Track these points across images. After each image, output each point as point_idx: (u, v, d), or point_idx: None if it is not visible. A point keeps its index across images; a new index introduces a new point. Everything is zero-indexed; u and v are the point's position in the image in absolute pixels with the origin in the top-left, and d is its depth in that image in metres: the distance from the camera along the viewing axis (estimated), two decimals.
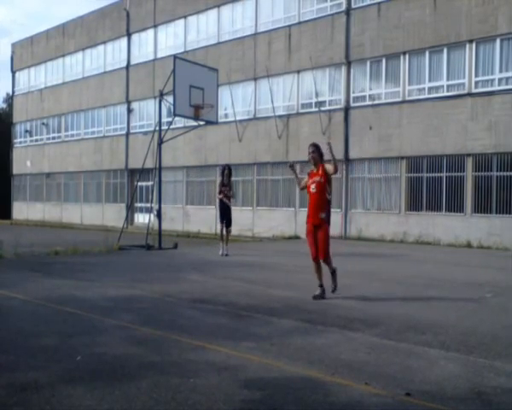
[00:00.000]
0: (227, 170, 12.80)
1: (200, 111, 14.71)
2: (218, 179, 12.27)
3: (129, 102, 29.98)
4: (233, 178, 13.38)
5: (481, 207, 17.26)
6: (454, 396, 3.41)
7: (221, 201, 12.87)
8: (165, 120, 16.71)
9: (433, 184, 18.41)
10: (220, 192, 12.85)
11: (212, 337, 4.79)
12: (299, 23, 22.31)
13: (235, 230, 22.06)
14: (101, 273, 9.33)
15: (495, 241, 16.56)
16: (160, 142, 14.96)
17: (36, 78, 37.34)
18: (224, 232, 12.78)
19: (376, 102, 20.00)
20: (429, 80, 18.62)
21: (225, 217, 12.80)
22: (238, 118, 24.16)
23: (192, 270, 9.83)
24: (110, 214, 30.66)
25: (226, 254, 12.32)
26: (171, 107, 14.56)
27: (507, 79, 16.95)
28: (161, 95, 15.09)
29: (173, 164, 25.99)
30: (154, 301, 6.70)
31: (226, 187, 12.77)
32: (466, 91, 17.65)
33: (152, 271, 10.00)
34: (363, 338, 4.84)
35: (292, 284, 8.25)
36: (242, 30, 24.54)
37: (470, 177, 17.50)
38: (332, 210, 20.76)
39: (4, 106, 46.31)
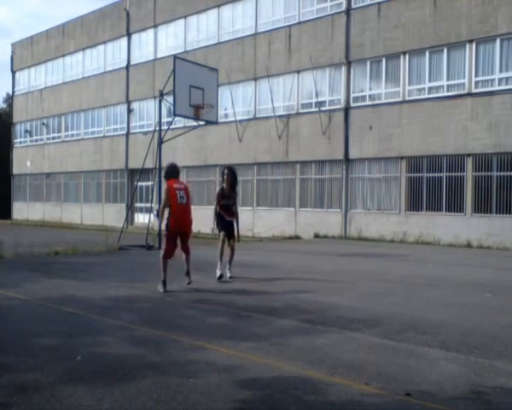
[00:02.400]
0: (227, 175, 8.81)
1: (200, 111, 14.71)
2: (218, 187, 8.92)
3: (129, 102, 29.99)
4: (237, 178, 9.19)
5: (481, 207, 17.26)
6: (454, 396, 3.41)
7: (219, 214, 8.81)
8: (165, 120, 16.71)
9: (433, 184, 18.41)
10: (218, 205, 8.74)
11: (212, 337, 4.78)
12: (299, 23, 22.32)
13: None
14: (101, 273, 9.33)
15: (495, 241, 16.56)
16: (160, 142, 14.96)
17: (36, 78, 37.35)
18: (226, 246, 8.79)
19: (376, 102, 20.00)
20: (429, 80, 18.61)
21: (226, 229, 8.79)
22: (238, 118, 24.16)
23: (192, 270, 9.81)
24: (110, 214, 30.66)
25: (230, 277, 8.68)
26: (171, 107, 14.56)
27: (507, 79, 16.95)
28: (161, 95, 15.09)
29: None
30: (154, 301, 6.70)
31: (229, 199, 8.76)
32: (466, 91, 17.65)
33: (152, 271, 9.98)
34: (363, 338, 4.84)
35: (292, 284, 8.25)
36: (242, 30, 24.54)
37: (470, 177, 17.50)
38: (332, 210, 21.07)
39: (4, 106, 46.33)
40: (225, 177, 8.78)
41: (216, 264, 8.54)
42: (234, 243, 8.75)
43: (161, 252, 7.68)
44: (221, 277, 8.46)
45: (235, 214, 8.83)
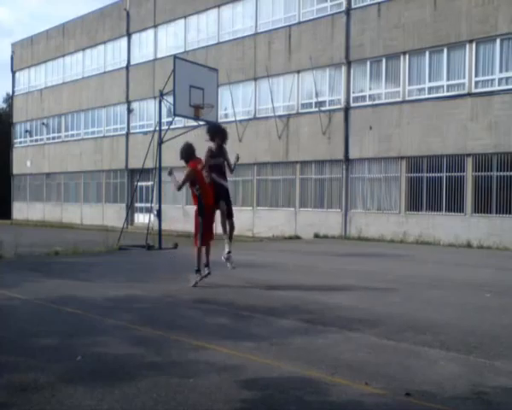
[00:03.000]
0: (209, 133, 8.12)
1: (200, 111, 14.71)
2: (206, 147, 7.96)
3: (129, 102, 29.98)
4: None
5: (481, 207, 17.26)
6: (454, 396, 3.41)
7: (214, 182, 7.88)
8: (165, 119, 16.72)
9: (433, 184, 18.41)
10: (208, 167, 7.79)
11: (212, 337, 4.78)
12: (299, 23, 22.31)
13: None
14: (101, 273, 9.33)
15: (495, 241, 16.55)
16: (160, 142, 14.96)
17: (36, 78, 37.35)
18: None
19: (376, 102, 20.00)
20: (429, 80, 18.61)
21: (222, 197, 7.92)
22: (238, 118, 24.15)
23: (192, 270, 9.81)
24: (110, 214, 30.66)
25: (228, 253, 7.98)
26: (171, 107, 14.56)
27: (507, 78, 16.95)
28: (161, 95, 15.09)
29: (173, 164, 25.96)
30: (154, 301, 6.69)
31: (219, 157, 7.92)
32: (466, 91, 17.65)
33: (152, 271, 9.99)
34: (363, 338, 4.84)
35: (292, 284, 8.24)
36: (242, 30, 24.55)
37: (470, 177, 17.50)
38: (332, 210, 21.06)
39: (4, 106, 46.33)
40: (208, 136, 8.09)
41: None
42: (232, 220, 8.02)
43: (197, 242, 7.64)
44: (229, 255, 7.93)
45: (225, 175, 8.02)
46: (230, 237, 8.05)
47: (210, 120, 15.70)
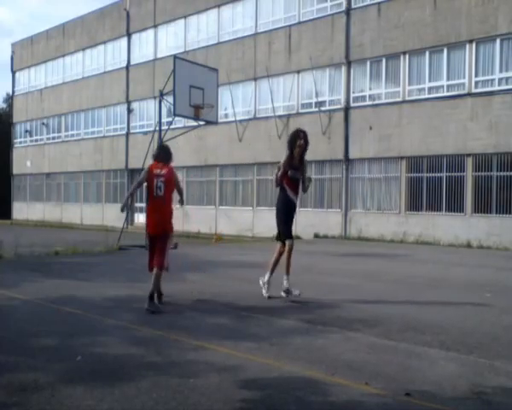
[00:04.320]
0: (303, 138, 6.77)
1: (200, 111, 14.72)
2: (284, 156, 6.87)
3: (129, 102, 29.98)
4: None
5: (481, 207, 17.25)
6: (454, 396, 3.41)
7: (286, 197, 6.75)
8: (165, 119, 16.70)
9: (433, 184, 18.40)
10: (284, 179, 6.68)
11: (212, 337, 4.78)
12: (299, 23, 22.31)
13: (234, 230, 21.93)
14: (101, 273, 9.33)
15: (495, 241, 16.55)
16: (160, 142, 14.94)
17: (36, 78, 37.36)
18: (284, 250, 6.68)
19: (376, 102, 20.00)
20: (429, 80, 18.61)
21: (290, 224, 6.79)
22: (238, 118, 24.15)
23: (192, 270, 9.82)
24: (110, 214, 30.63)
25: (299, 294, 6.56)
26: (171, 107, 14.56)
27: (507, 79, 16.94)
28: (161, 95, 15.09)
29: (173, 164, 25.92)
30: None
31: (297, 171, 6.72)
32: (466, 91, 17.65)
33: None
34: (363, 338, 4.84)
35: (292, 284, 8.22)
36: (242, 30, 24.55)
37: (470, 177, 17.49)
38: (332, 210, 21.06)
39: (4, 106, 46.32)
40: (300, 142, 6.65)
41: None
42: (291, 242, 6.58)
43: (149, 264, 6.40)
44: (266, 293, 6.78)
45: (298, 192, 6.75)
46: (288, 268, 6.73)
47: (210, 120, 15.73)
